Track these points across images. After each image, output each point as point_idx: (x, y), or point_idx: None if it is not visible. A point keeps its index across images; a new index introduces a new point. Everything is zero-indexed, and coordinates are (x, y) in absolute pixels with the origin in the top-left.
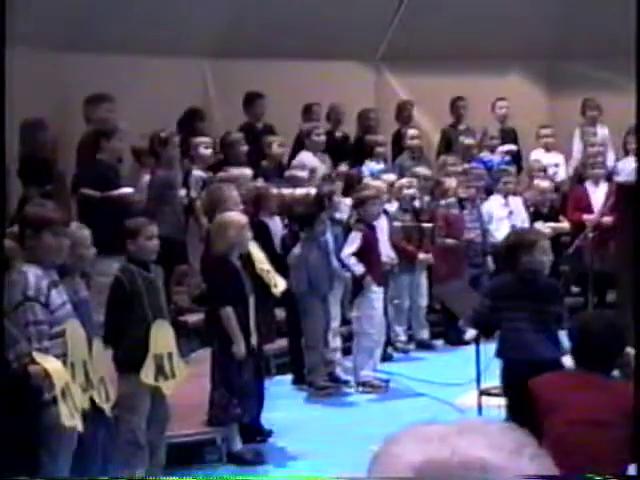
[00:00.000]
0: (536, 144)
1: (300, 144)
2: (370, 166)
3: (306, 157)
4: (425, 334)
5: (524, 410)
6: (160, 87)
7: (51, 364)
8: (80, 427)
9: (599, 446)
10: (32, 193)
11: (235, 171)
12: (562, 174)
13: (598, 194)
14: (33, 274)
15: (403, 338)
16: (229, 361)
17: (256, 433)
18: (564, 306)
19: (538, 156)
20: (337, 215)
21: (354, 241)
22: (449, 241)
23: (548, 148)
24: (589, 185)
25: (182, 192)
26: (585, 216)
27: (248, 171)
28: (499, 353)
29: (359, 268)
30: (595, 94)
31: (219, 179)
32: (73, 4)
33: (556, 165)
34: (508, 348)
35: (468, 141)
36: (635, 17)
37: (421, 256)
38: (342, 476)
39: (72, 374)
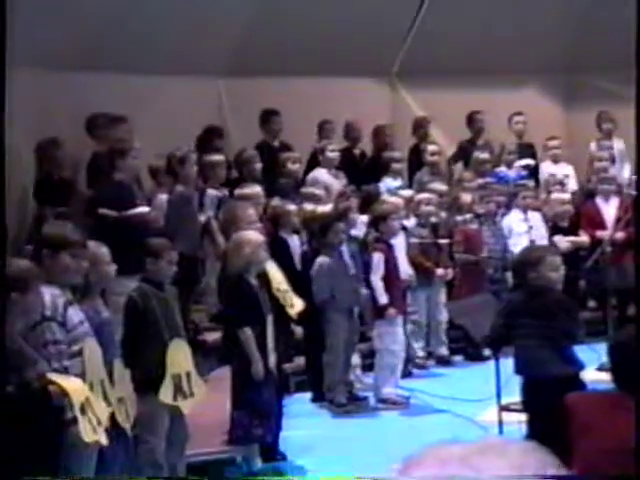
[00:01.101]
0: (544, 156)
1: (315, 161)
2: (387, 182)
3: (320, 174)
4: (444, 350)
5: (545, 427)
6: (175, 106)
7: (69, 382)
8: (104, 441)
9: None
10: (47, 213)
11: (247, 189)
12: (573, 185)
13: (609, 209)
14: (49, 293)
15: (421, 354)
16: (248, 381)
17: (276, 452)
18: (578, 321)
19: (547, 168)
20: (353, 232)
21: (379, 264)
22: (468, 257)
23: (556, 160)
24: (599, 200)
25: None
26: (599, 232)
27: (258, 188)
28: (517, 370)
29: (384, 299)
30: (612, 107)
31: (236, 197)
32: (87, 24)
33: (566, 176)
34: (522, 366)
35: (483, 156)
36: (635, 23)
37: (439, 272)
38: None
39: (90, 393)
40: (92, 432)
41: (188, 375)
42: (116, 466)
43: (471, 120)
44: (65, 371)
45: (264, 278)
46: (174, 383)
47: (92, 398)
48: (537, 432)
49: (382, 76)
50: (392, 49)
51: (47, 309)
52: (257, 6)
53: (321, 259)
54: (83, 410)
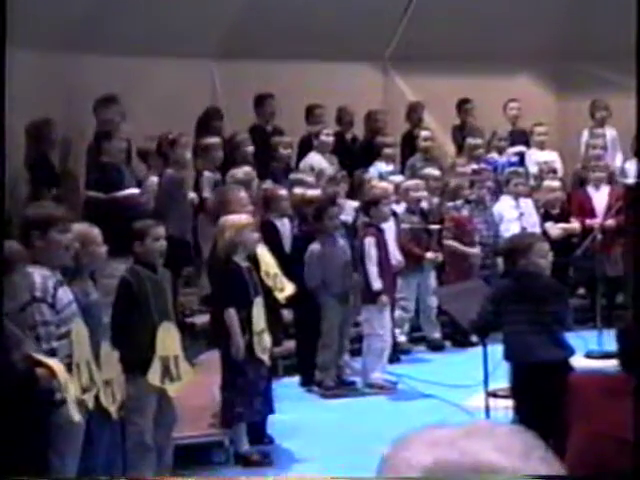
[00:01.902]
0: (531, 143)
1: (305, 146)
2: (379, 167)
3: (314, 159)
4: (437, 334)
5: (534, 413)
6: (168, 88)
7: (54, 364)
8: (82, 421)
9: (621, 466)
10: (43, 194)
11: (241, 172)
12: (560, 171)
13: (599, 197)
14: (39, 274)
15: (403, 339)
16: (234, 362)
17: (263, 435)
18: (567, 307)
19: (533, 155)
20: (342, 217)
21: (371, 249)
22: (457, 246)
23: (542, 147)
24: (590, 188)
25: (192, 194)
26: (588, 220)
27: (250, 170)
28: (506, 356)
29: (378, 284)
30: (604, 96)
31: (229, 179)
32: (79, 5)
33: (552, 163)
34: (512, 352)
35: (475, 142)
36: (635, 17)
37: (428, 255)
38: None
39: (77, 374)
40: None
41: (176, 358)
42: (101, 448)
43: (460, 108)
44: (53, 353)
45: (253, 261)
46: (162, 365)
47: (69, 382)
48: (526, 417)
49: (375, 61)
50: (386, 34)
51: (37, 290)
52: None
53: (313, 246)
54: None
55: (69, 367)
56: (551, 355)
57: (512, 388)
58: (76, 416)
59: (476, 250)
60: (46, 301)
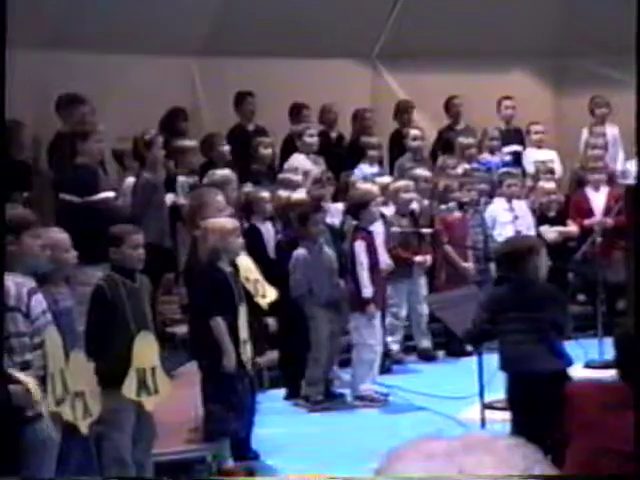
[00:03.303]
0: (528, 142)
1: (289, 146)
2: (363, 169)
3: (299, 159)
4: (427, 343)
5: (530, 426)
6: (146, 87)
7: (29, 381)
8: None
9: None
10: (15, 197)
11: (218, 173)
12: (558, 171)
13: (598, 199)
14: (13, 282)
15: (396, 348)
16: (219, 374)
17: (247, 451)
18: (566, 315)
19: (530, 154)
20: (328, 220)
21: (361, 253)
22: (453, 253)
23: (540, 145)
24: (589, 190)
25: (170, 196)
26: (586, 221)
27: (229, 172)
28: (502, 366)
29: (368, 292)
30: (604, 92)
31: (206, 183)
32: (56, 2)
33: (550, 161)
34: (508, 362)
35: (467, 141)
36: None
37: (418, 258)
38: None
39: (52, 385)
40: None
41: (153, 370)
42: (71, 464)
43: (448, 106)
44: (27, 365)
45: (232, 266)
46: (138, 378)
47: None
48: (523, 430)
49: (363, 58)
50: (374, 29)
51: (11, 298)
52: None
53: (298, 252)
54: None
55: (43, 379)
56: (549, 365)
57: (508, 399)
58: (52, 433)
59: (468, 264)
60: (20, 310)
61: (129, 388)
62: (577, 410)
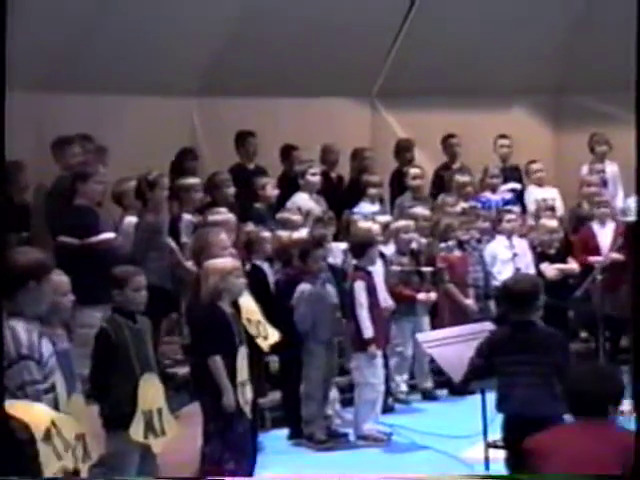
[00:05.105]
0: (528, 181)
1: (283, 185)
2: (363, 207)
3: (301, 199)
4: (428, 383)
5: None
6: (145, 127)
7: (31, 412)
8: (71, 464)
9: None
10: (12, 239)
11: (219, 214)
12: (560, 209)
13: (605, 234)
14: (23, 329)
15: (404, 388)
16: (219, 414)
17: None
18: (568, 358)
19: (532, 192)
20: (330, 260)
21: (362, 293)
22: (457, 292)
23: (541, 183)
24: (595, 225)
25: (170, 242)
26: (592, 258)
27: (230, 215)
28: (499, 409)
29: (369, 332)
30: (603, 129)
31: (209, 222)
32: (54, 43)
33: (552, 200)
34: (506, 405)
35: (464, 179)
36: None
37: (420, 296)
38: None
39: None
40: (56, 459)
41: (160, 411)
42: None
43: (445, 144)
44: None
45: (234, 307)
46: (145, 420)
47: (61, 419)
48: (517, 471)
49: (362, 96)
50: (373, 68)
51: (23, 347)
52: (232, 24)
53: (302, 286)
54: (48, 437)
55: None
56: (547, 409)
57: (504, 439)
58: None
59: (470, 301)
60: (33, 358)
61: (136, 430)
62: (536, 450)
